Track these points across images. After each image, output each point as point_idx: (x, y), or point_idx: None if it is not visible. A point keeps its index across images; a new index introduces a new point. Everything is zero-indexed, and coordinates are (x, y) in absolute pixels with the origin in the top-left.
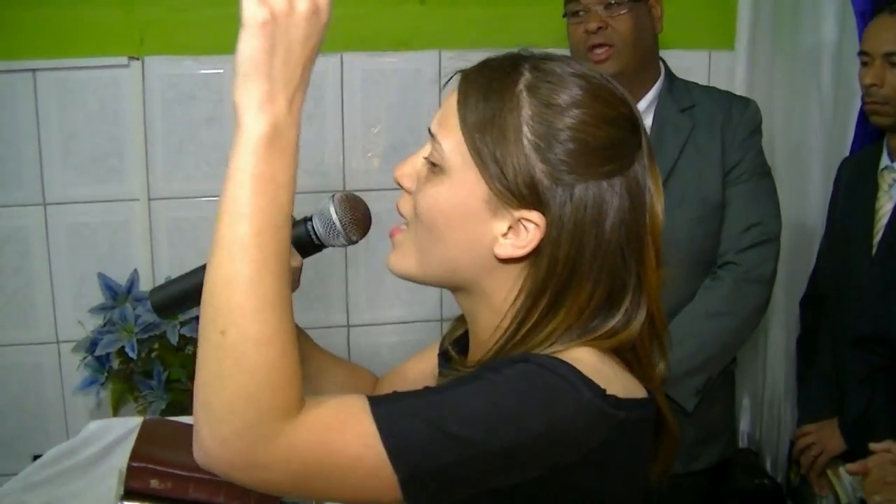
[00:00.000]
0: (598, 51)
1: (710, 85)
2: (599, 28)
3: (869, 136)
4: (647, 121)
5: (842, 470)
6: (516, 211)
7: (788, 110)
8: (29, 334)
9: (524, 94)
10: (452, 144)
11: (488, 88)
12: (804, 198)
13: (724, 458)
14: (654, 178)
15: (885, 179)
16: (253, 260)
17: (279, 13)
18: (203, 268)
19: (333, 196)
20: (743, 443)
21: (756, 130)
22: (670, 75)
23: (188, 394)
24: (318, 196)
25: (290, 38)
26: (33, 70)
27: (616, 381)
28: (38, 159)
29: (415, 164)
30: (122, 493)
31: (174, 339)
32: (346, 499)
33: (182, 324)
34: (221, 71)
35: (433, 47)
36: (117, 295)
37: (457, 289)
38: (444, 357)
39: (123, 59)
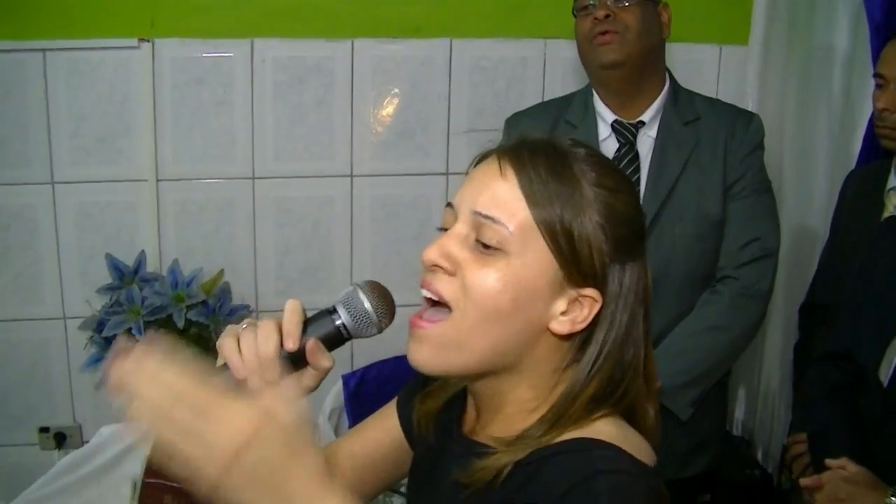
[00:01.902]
0: (604, 36)
1: (728, 101)
2: (607, 16)
3: (876, 149)
4: (652, 132)
5: None
6: (580, 289)
7: (798, 113)
8: (36, 310)
9: (580, 176)
10: (519, 225)
11: (550, 170)
12: (809, 203)
13: (712, 466)
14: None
15: (892, 200)
16: None
17: None
18: None
19: (357, 287)
20: (736, 430)
21: (759, 146)
22: (675, 85)
23: None
24: (326, 180)
25: None
26: (43, 50)
27: (641, 446)
28: (46, 138)
29: (448, 245)
30: None
31: (180, 323)
32: None
33: (189, 308)
34: (231, 54)
35: (444, 35)
36: (124, 275)
37: (490, 372)
38: (449, 434)
39: (134, 41)
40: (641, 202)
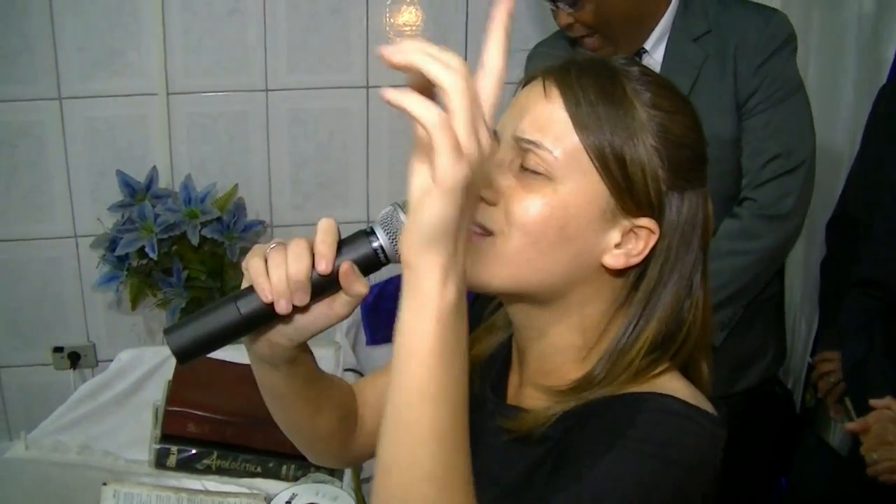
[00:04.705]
0: (588, 40)
1: None
2: (570, 25)
3: None
4: (658, 55)
5: None
6: (634, 218)
7: (824, 20)
8: (47, 229)
9: (634, 97)
10: (565, 150)
11: (600, 91)
12: (834, 116)
13: (764, 377)
14: None
15: None
16: (447, 451)
17: (475, 164)
18: (224, 304)
19: (397, 206)
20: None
21: (781, 46)
22: None
23: (208, 291)
24: (342, 91)
25: (478, 186)
26: None
27: (702, 399)
28: (53, 52)
29: (489, 174)
30: (158, 435)
31: (195, 241)
32: None
33: (203, 224)
34: None
35: None
36: (136, 192)
37: (535, 302)
38: (493, 388)
39: None
40: None
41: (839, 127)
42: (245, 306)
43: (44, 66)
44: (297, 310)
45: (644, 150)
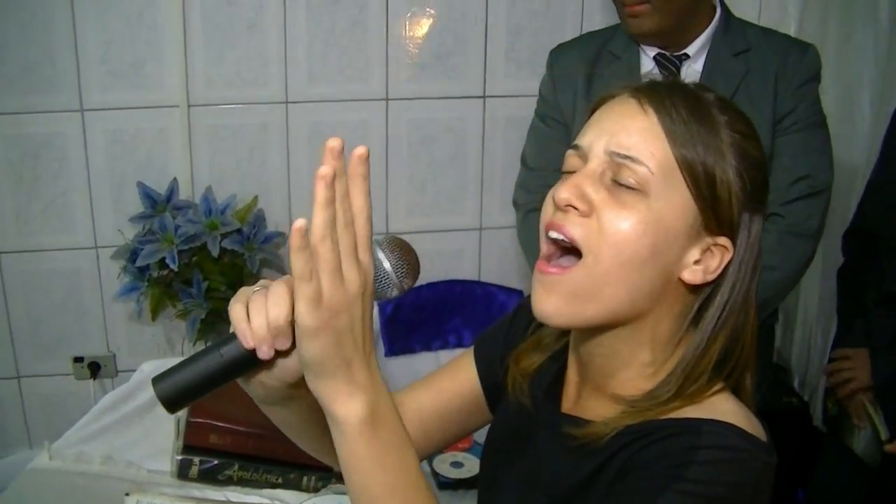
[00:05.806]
0: (631, 8)
1: (768, 26)
2: None
3: None
4: (698, 65)
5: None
6: (715, 237)
7: (841, 39)
8: (68, 240)
9: (717, 118)
10: (659, 165)
11: (690, 111)
12: (851, 130)
13: (758, 406)
14: None
15: None
16: None
17: (336, 309)
18: (209, 351)
19: (376, 245)
20: (773, 358)
21: (813, 78)
22: (727, 14)
23: (227, 303)
24: (361, 104)
25: (353, 320)
26: None
27: (757, 426)
28: (75, 64)
29: (584, 185)
30: (180, 446)
31: (215, 252)
32: None
33: (223, 236)
34: None
35: None
36: (157, 204)
37: (617, 324)
38: (548, 397)
39: None
40: None
41: (855, 143)
42: (228, 353)
43: (66, 78)
44: (280, 354)
45: (730, 170)
